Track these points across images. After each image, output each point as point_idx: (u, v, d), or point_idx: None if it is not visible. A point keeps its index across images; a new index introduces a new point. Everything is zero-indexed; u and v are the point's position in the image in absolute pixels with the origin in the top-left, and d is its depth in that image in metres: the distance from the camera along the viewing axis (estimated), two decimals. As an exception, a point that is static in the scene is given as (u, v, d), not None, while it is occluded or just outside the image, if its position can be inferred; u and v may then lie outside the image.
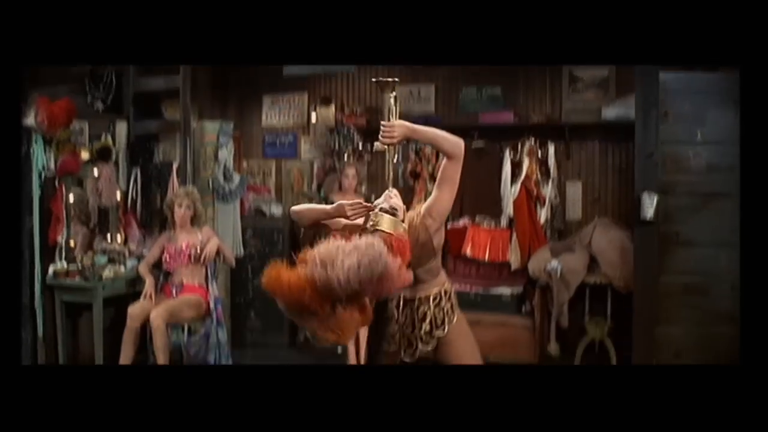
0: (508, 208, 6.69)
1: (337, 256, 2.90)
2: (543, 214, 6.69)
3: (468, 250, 6.74)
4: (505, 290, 6.64)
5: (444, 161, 3.48)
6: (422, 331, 3.61)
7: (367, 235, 3.08)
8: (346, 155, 7.17)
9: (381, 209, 3.37)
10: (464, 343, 3.70)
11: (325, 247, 2.97)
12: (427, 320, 3.62)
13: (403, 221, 3.40)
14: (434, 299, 3.65)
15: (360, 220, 3.50)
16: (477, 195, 6.79)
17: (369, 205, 3.42)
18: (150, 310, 5.52)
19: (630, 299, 5.53)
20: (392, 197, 3.44)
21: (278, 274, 2.97)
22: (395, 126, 3.39)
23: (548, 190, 6.69)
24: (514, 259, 6.63)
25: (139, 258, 6.12)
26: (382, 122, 3.42)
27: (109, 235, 6.27)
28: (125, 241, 6.35)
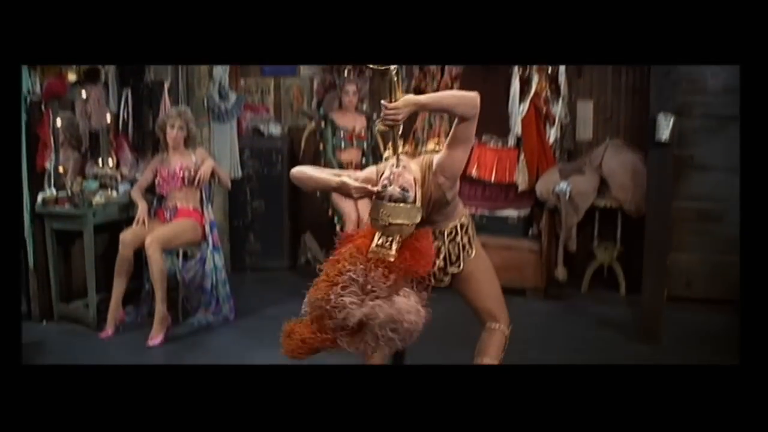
0: (516, 127, 6.50)
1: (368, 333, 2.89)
2: (552, 134, 6.51)
3: (473, 171, 6.57)
4: (511, 212, 6.50)
5: (457, 121, 3.21)
6: (436, 267, 3.45)
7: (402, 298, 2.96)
8: (346, 71, 6.90)
9: (390, 198, 3.11)
10: (482, 279, 3.57)
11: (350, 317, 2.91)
12: (441, 256, 3.46)
13: (415, 201, 3.16)
14: (449, 234, 3.48)
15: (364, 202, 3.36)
16: (483, 113, 6.04)
17: (374, 189, 3.14)
18: (143, 236, 5.37)
19: (641, 224, 5.42)
20: (400, 173, 3.16)
21: (291, 331, 3.08)
22: (399, 106, 3.07)
23: (558, 109, 6.48)
24: (521, 180, 6.48)
25: (132, 182, 5.94)
26: (383, 102, 3.10)
27: (100, 160, 6.07)
28: (117, 165, 6.14)
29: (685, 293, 5.79)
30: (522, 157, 6.47)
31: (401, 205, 3.10)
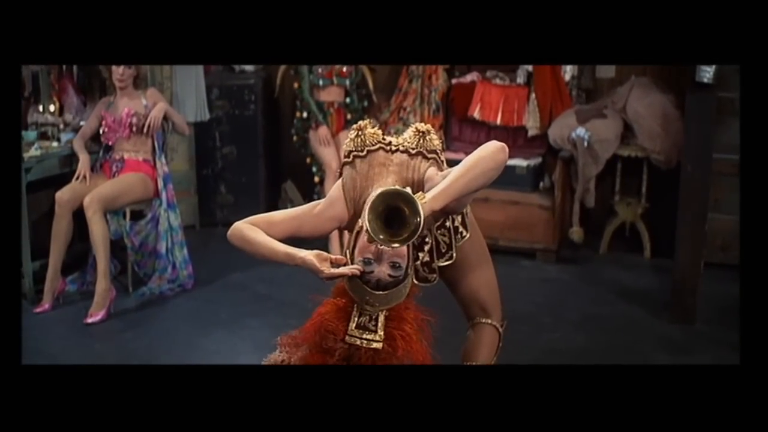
0: None
1: None
2: (569, 70, 6.06)
3: (476, 111, 6.11)
4: (519, 161, 5.95)
5: None
6: (420, 262, 2.76)
7: None
8: None
9: (378, 285, 2.41)
10: (476, 264, 2.93)
11: None
12: (426, 248, 2.76)
13: (407, 272, 2.48)
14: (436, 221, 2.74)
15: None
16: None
17: (350, 272, 2.40)
18: (84, 193, 4.88)
19: (670, 177, 5.21)
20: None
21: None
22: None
23: None
24: (531, 123, 6.03)
25: (77, 130, 5.38)
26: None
27: (41, 106, 5.53)
28: (60, 111, 5.60)
29: (720, 259, 5.35)
30: (533, 96, 6.02)
31: (392, 290, 2.41)
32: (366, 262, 2.36)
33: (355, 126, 2.71)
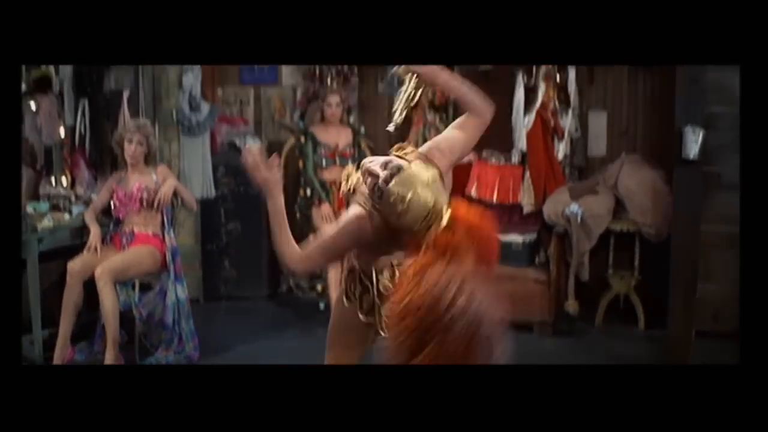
0: (521, 142, 6.15)
1: None
2: (561, 149, 6.16)
3: (473, 190, 6.22)
4: (516, 237, 6.01)
5: (467, 114, 2.94)
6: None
7: None
8: (329, 79, 6.40)
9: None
10: None
11: None
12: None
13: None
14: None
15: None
16: None
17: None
18: (95, 265, 4.92)
19: (661, 250, 5.24)
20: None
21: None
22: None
23: (567, 121, 6.13)
24: (526, 200, 6.12)
25: (88, 203, 5.49)
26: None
27: (53, 178, 5.67)
28: (72, 184, 5.74)
29: (712, 327, 5.32)
30: (527, 175, 6.13)
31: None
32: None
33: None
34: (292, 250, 2.81)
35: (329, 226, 2.84)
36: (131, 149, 5.16)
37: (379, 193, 2.56)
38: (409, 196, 2.48)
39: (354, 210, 2.81)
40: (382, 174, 2.54)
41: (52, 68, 5.73)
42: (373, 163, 2.63)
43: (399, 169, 2.53)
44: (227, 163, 6.55)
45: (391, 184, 2.51)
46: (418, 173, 2.54)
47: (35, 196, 5.54)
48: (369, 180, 2.62)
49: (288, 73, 6.98)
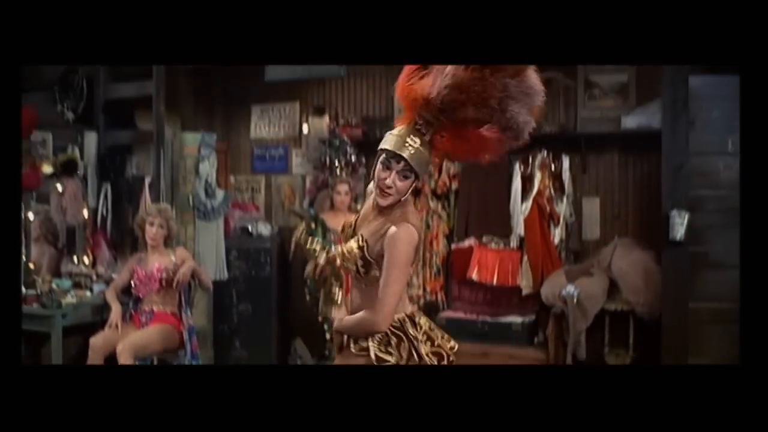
0: (519, 227, 6.29)
1: None
2: (557, 234, 6.30)
3: (474, 274, 6.32)
4: (515, 319, 6.21)
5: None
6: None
7: None
8: (338, 169, 6.62)
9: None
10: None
11: None
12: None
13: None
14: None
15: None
16: (484, 213, 6.37)
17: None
18: (115, 341, 5.03)
19: (654, 327, 5.27)
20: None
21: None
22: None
23: (563, 207, 6.30)
24: (525, 283, 6.26)
25: (108, 282, 5.65)
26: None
27: (75, 257, 5.86)
28: (93, 264, 5.91)
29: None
30: (525, 259, 6.28)
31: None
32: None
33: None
34: (372, 322, 2.93)
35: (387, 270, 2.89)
36: (152, 231, 5.33)
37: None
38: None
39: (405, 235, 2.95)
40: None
41: (77, 152, 5.95)
42: None
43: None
44: (239, 246, 6.77)
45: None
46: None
47: (57, 274, 5.70)
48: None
49: (297, 163, 7.30)
